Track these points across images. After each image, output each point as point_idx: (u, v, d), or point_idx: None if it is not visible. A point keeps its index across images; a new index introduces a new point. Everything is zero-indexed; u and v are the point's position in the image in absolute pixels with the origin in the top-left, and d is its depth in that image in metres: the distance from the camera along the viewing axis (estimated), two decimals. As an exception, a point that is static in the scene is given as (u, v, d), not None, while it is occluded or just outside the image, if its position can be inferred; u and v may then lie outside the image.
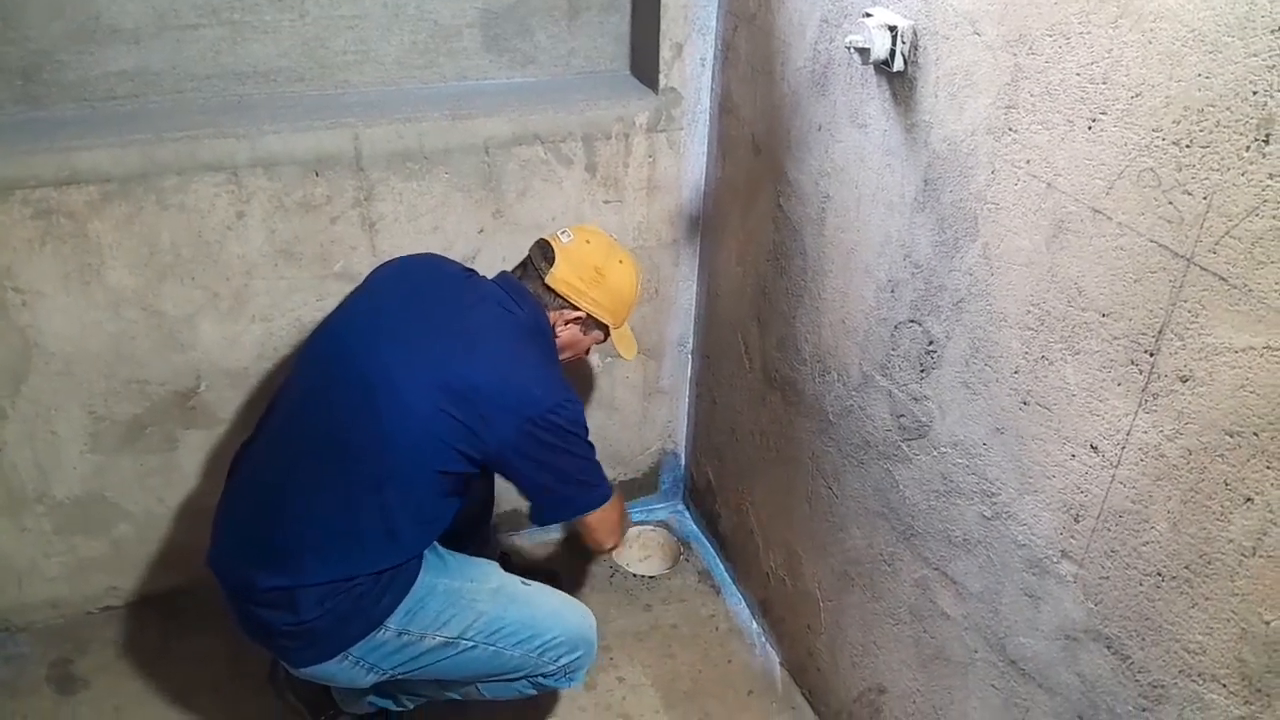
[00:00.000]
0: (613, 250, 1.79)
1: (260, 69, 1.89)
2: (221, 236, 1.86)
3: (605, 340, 1.86)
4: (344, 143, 1.84)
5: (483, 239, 2.04)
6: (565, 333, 1.77)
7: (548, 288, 1.73)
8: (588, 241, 1.76)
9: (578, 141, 2.01)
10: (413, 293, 1.70)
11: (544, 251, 1.75)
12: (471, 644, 1.66)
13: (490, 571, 1.77)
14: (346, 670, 1.62)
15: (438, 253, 1.87)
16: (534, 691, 1.80)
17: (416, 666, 1.66)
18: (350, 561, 1.57)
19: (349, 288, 1.96)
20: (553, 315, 1.74)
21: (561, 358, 1.82)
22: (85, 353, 1.88)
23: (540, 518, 1.72)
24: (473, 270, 1.79)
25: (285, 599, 1.55)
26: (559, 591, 1.87)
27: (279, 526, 1.59)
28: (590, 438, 1.68)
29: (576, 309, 1.74)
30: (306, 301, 1.99)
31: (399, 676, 1.68)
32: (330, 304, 1.97)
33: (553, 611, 1.77)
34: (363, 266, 1.97)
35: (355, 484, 1.57)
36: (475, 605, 1.68)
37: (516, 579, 1.80)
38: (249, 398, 2.06)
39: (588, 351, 1.91)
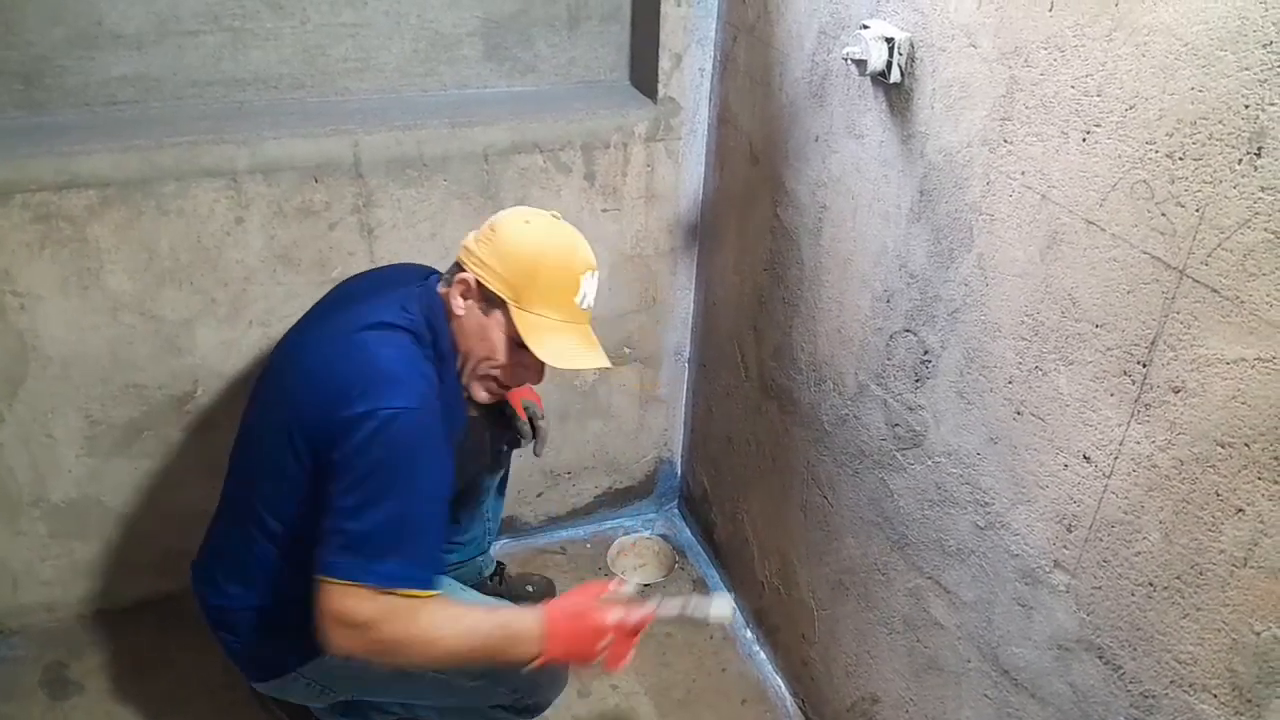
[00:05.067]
0: (527, 213, 1.50)
1: (261, 76, 1.90)
2: (220, 242, 1.86)
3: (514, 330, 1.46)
4: (343, 149, 1.85)
5: (481, 246, 2.05)
6: (463, 313, 1.47)
7: (456, 262, 1.51)
8: (500, 212, 1.52)
9: (576, 150, 2.02)
10: (334, 309, 1.55)
11: None
12: (421, 672, 1.58)
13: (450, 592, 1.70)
14: (301, 689, 1.60)
15: (423, 264, 1.71)
16: None
17: (368, 691, 1.64)
18: (269, 590, 1.49)
19: (347, 293, 1.97)
20: (444, 291, 1.49)
21: (474, 364, 1.51)
22: (83, 357, 1.89)
23: (320, 556, 1.31)
24: (433, 274, 1.59)
25: (224, 619, 1.54)
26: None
27: (214, 547, 1.58)
28: (443, 496, 1.37)
29: (466, 270, 1.46)
30: (304, 307, 1.97)
31: (354, 698, 1.66)
32: (328, 310, 1.98)
33: None
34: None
35: (247, 513, 1.49)
36: None
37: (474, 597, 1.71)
38: (246, 403, 2.06)
39: (510, 359, 1.49)
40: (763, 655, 2.22)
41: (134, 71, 1.82)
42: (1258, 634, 1.01)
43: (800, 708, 2.09)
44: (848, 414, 1.70)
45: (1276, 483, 0.96)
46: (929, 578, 1.55)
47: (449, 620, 1.33)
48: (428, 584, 1.31)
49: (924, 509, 1.53)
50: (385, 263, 1.98)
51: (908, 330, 1.49)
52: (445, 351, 1.47)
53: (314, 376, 1.40)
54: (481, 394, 1.58)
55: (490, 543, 2.18)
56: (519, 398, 1.89)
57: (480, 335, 1.48)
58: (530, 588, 2.29)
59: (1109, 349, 1.12)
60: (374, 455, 1.29)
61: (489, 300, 1.45)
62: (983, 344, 1.33)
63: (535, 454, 1.92)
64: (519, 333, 1.44)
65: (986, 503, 1.38)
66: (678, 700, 2.12)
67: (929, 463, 1.49)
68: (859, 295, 1.61)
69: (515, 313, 1.44)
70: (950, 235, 1.35)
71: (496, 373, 1.53)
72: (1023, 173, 1.20)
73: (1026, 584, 1.33)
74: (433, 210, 1.97)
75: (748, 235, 1.98)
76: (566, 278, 1.46)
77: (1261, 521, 0.98)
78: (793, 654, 2.09)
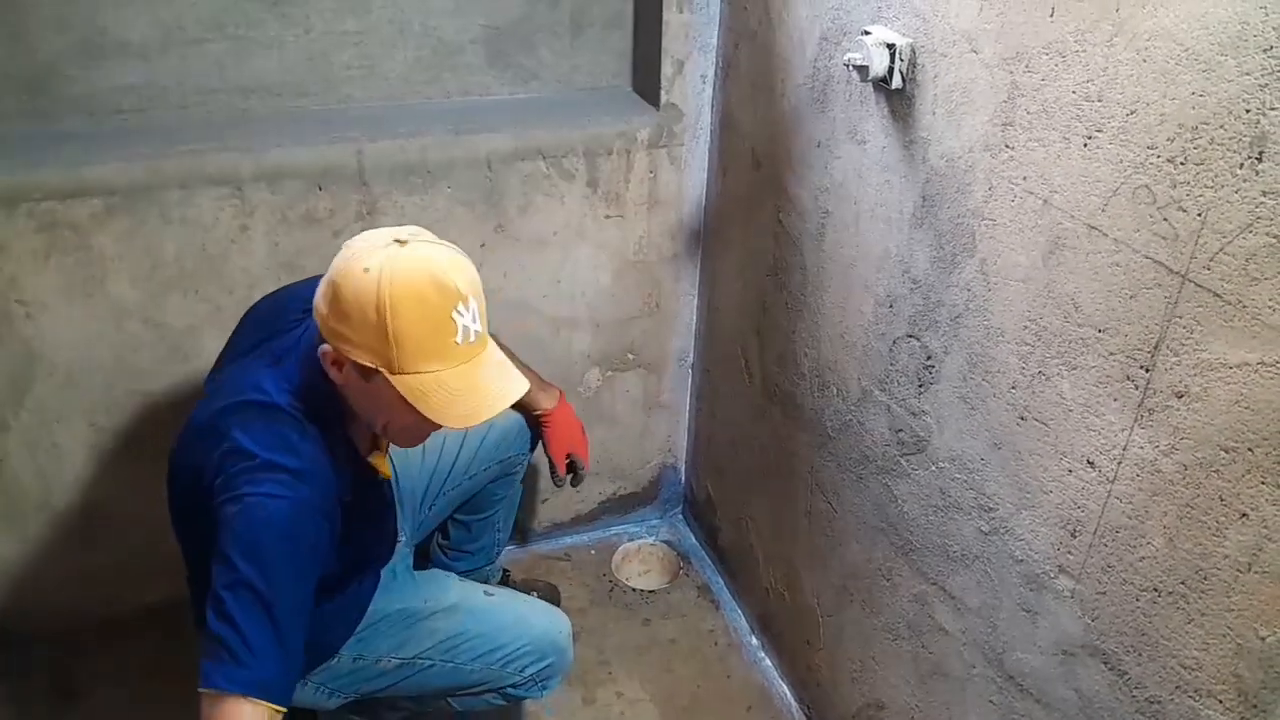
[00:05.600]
0: (365, 253, 1.21)
1: (265, 84, 1.91)
2: (225, 250, 1.87)
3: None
4: (347, 157, 1.86)
5: (484, 253, 2.05)
6: (342, 379, 1.27)
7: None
8: (345, 247, 1.25)
9: (579, 157, 2.02)
10: (233, 357, 1.48)
11: None
12: (429, 662, 1.63)
13: (447, 586, 1.72)
14: (310, 694, 1.61)
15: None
16: (503, 703, 1.74)
17: (377, 687, 1.64)
18: None
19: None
20: (322, 352, 1.26)
21: (380, 427, 1.35)
22: (88, 364, 1.89)
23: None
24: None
25: None
26: (529, 599, 1.81)
27: None
28: (295, 591, 1.23)
29: (325, 342, 1.25)
30: (309, 314, 2.00)
31: (363, 696, 1.67)
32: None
33: (516, 621, 1.69)
34: (365, 280, 1.98)
35: None
36: (429, 624, 1.63)
37: (479, 590, 1.74)
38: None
39: (415, 417, 1.25)
40: (767, 662, 2.22)
41: (139, 80, 1.83)
42: (1263, 639, 1.00)
43: (806, 714, 2.08)
44: (851, 419, 1.70)
45: (1280, 487, 0.96)
46: (933, 583, 1.54)
47: None
48: (226, 685, 1.16)
49: (928, 514, 1.53)
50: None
51: (911, 335, 1.49)
52: (332, 418, 1.32)
53: (187, 444, 1.35)
54: (401, 444, 1.44)
55: (499, 552, 2.17)
56: (562, 450, 1.89)
57: (371, 402, 1.29)
58: (535, 594, 2.29)
59: (1112, 354, 1.12)
60: (226, 535, 1.21)
61: (363, 370, 1.23)
62: (985, 349, 1.33)
63: (572, 485, 1.96)
64: (408, 399, 1.23)
65: (990, 508, 1.38)
66: (683, 707, 2.11)
67: (933, 468, 1.49)
68: (862, 300, 1.61)
69: (395, 380, 1.21)
70: (952, 240, 1.35)
71: (409, 427, 1.33)
72: (1024, 178, 1.20)
73: (1031, 589, 1.32)
74: (437, 217, 1.98)
75: (750, 241, 1.98)
76: (434, 324, 1.21)
77: (1265, 526, 0.98)
78: (798, 660, 2.09)
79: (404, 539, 1.76)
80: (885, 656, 1.73)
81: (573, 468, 1.91)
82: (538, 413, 1.89)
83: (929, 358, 1.45)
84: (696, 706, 2.12)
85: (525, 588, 2.29)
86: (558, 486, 1.94)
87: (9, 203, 1.71)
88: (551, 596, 2.32)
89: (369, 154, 1.87)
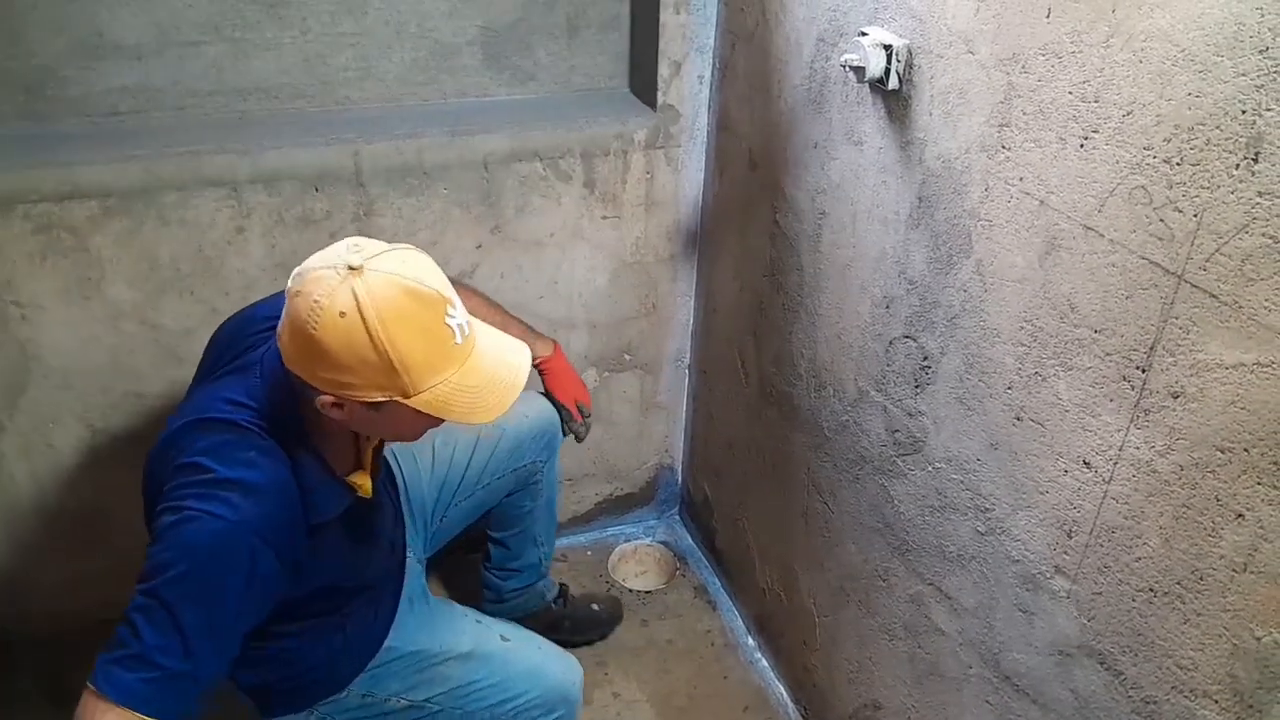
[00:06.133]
0: (328, 298, 1.13)
1: (262, 85, 1.91)
2: (221, 251, 1.87)
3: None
4: (344, 159, 1.86)
5: (481, 254, 2.05)
6: (344, 416, 1.22)
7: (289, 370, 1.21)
8: (298, 294, 1.16)
9: (576, 158, 2.02)
10: (199, 380, 1.43)
11: None
12: (438, 708, 1.60)
13: (464, 629, 1.68)
14: None
15: (274, 295, 1.41)
16: None
17: None
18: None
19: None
20: (320, 401, 1.20)
21: (388, 440, 1.42)
22: (84, 366, 1.89)
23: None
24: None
25: (244, 659, 1.42)
26: (546, 644, 1.74)
27: None
28: (222, 603, 1.20)
29: (322, 393, 1.18)
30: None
31: None
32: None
33: (530, 670, 1.66)
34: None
35: None
36: (443, 669, 1.61)
37: (495, 634, 1.69)
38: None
39: (428, 425, 1.29)
40: (764, 662, 2.22)
41: (135, 82, 1.83)
42: (1258, 639, 1.00)
43: (802, 715, 2.08)
44: (848, 420, 1.70)
45: (1276, 488, 0.96)
46: (930, 584, 1.55)
47: None
48: (108, 689, 1.15)
49: (924, 515, 1.53)
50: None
51: (907, 336, 1.49)
52: (298, 437, 1.28)
53: (153, 462, 1.32)
54: (408, 441, 1.42)
55: (547, 566, 2.13)
56: (569, 395, 1.93)
57: (381, 426, 1.29)
58: (596, 606, 2.26)
59: (1108, 354, 1.12)
60: (156, 544, 1.19)
61: (371, 404, 1.19)
62: (982, 350, 1.33)
63: (578, 440, 2.00)
64: (431, 415, 1.23)
65: (987, 508, 1.38)
66: (679, 708, 2.11)
67: (929, 469, 1.49)
68: (858, 301, 1.61)
69: (413, 402, 1.19)
70: (949, 241, 1.36)
71: (420, 432, 1.33)
72: (1021, 179, 1.21)
73: (1027, 590, 1.33)
74: (433, 219, 1.98)
75: (747, 242, 1.98)
76: (432, 337, 1.18)
77: (1261, 526, 0.98)
78: (794, 661, 2.09)
79: (414, 555, 1.73)
80: (882, 657, 1.73)
81: (584, 416, 1.97)
82: (536, 360, 1.86)
83: (925, 358, 1.45)
84: (693, 707, 2.12)
85: (586, 601, 2.27)
86: (578, 437, 1.98)
87: (5, 205, 1.71)
88: (615, 610, 2.30)
89: (366, 155, 1.87)
